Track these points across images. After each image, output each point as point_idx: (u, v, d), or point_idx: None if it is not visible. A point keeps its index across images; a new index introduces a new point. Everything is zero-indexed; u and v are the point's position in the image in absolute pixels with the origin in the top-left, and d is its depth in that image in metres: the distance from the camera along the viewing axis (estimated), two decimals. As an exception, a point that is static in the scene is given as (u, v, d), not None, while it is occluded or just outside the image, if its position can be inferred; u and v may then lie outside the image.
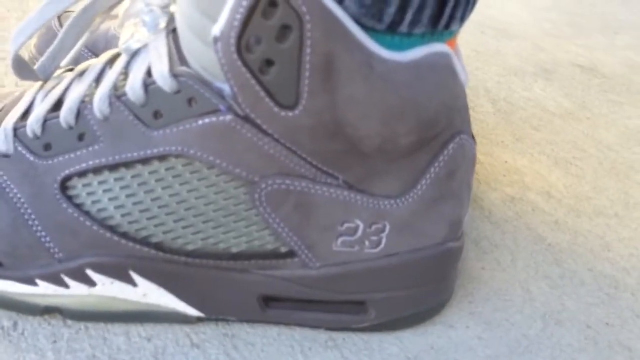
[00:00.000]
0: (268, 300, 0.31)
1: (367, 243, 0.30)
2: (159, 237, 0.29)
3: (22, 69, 0.31)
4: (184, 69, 0.27)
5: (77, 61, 0.44)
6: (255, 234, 0.29)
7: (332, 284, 0.30)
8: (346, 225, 0.29)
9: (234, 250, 0.29)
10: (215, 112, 0.26)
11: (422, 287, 0.32)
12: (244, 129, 0.26)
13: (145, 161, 0.28)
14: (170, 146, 0.27)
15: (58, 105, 0.30)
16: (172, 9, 0.30)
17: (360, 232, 0.29)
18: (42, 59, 0.32)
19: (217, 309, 0.31)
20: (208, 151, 0.27)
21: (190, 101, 0.27)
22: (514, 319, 0.35)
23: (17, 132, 0.29)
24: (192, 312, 0.31)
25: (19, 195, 0.29)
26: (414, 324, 0.33)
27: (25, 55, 0.51)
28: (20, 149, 0.29)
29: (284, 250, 0.29)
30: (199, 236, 0.29)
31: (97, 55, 0.47)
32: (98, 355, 0.29)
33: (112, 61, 0.30)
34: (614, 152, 0.55)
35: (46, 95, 0.31)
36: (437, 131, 0.28)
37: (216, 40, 0.25)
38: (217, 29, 0.25)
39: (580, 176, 0.50)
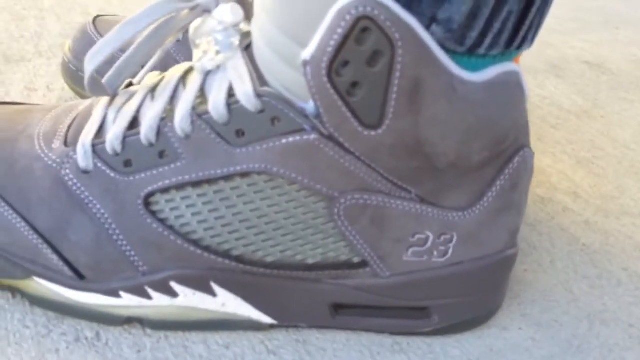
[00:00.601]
0: (337, 307, 0.32)
1: (435, 253, 0.31)
2: (240, 249, 0.30)
3: (96, 86, 0.31)
4: (267, 89, 0.28)
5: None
6: (331, 246, 0.30)
7: (400, 291, 0.32)
8: (417, 236, 0.30)
9: (310, 261, 0.30)
10: (299, 131, 0.27)
11: (482, 292, 0.33)
12: (327, 147, 0.27)
13: (227, 178, 0.29)
14: (253, 163, 0.28)
15: (133, 122, 0.30)
16: (242, 26, 0.31)
17: (429, 243, 0.30)
18: (110, 73, 0.32)
19: (289, 316, 0.32)
20: (290, 168, 0.28)
21: (273, 120, 0.28)
22: (562, 319, 0.36)
23: (96, 148, 0.30)
24: (266, 319, 0.32)
25: (102, 211, 0.29)
26: (471, 327, 0.34)
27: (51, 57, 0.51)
28: (99, 165, 0.30)
29: (356, 260, 0.30)
30: (277, 248, 0.30)
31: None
32: (181, 364, 0.30)
33: (183, 78, 0.31)
34: (631, 150, 0.57)
35: (118, 111, 0.31)
36: (506, 146, 0.29)
37: (305, 63, 0.26)
38: (307, 53, 0.25)
39: (602, 175, 0.52)
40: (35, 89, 0.53)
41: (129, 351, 0.30)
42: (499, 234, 0.31)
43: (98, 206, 0.30)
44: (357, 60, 0.25)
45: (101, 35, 0.49)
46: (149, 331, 0.31)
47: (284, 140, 0.28)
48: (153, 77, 0.33)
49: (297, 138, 0.27)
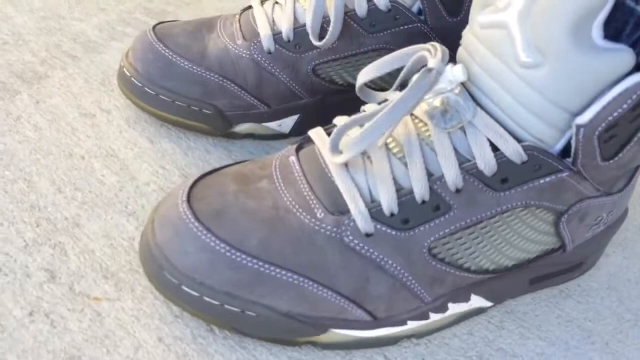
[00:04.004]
0: (532, 279, 0.40)
1: (601, 225, 0.39)
2: (494, 265, 0.35)
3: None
4: (530, 144, 0.32)
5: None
6: (550, 243, 0.37)
7: (575, 257, 0.40)
8: (598, 219, 0.38)
9: (532, 257, 0.37)
10: (556, 172, 0.33)
11: (608, 241, 0.42)
12: (572, 180, 0.33)
13: (492, 217, 0.33)
14: (515, 202, 0.33)
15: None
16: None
17: (602, 221, 0.39)
18: (356, 139, 0.32)
19: (504, 297, 0.39)
20: (543, 200, 0.33)
21: (535, 167, 0.32)
22: (614, 252, 0.48)
23: (372, 212, 0.32)
24: (488, 304, 0.38)
25: (394, 265, 0.33)
26: (593, 266, 0.44)
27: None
28: (379, 227, 0.32)
29: (557, 246, 0.38)
30: (518, 255, 0.36)
31: (224, 77, 0.45)
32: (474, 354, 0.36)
33: (419, 135, 0.33)
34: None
35: (366, 175, 0.33)
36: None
37: (580, 127, 0.31)
38: (584, 120, 0.30)
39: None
40: (92, 115, 0.48)
41: (420, 363, 0.35)
42: (627, 202, 0.41)
43: (390, 262, 0.33)
44: (624, 122, 0.31)
45: (170, 50, 0.45)
46: (415, 340, 0.36)
47: (542, 181, 0.33)
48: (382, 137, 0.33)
49: (553, 177, 0.33)
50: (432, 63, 0.33)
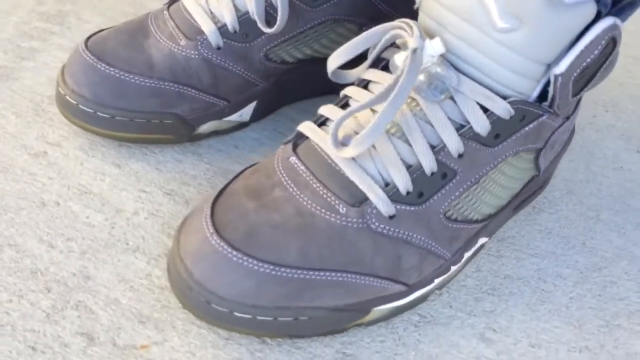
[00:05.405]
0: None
1: (562, 144, 0.43)
2: (494, 209, 0.38)
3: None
4: (515, 98, 0.34)
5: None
6: (530, 175, 0.40)
7: (544, 177, 0.43)
8: (561, 142, 0.42)
9: (517, 191, 0.40)
10: (538, 117, 0.35)
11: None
12: (549, 119, 0.36)
13: (490, 170, 0.36)
14: (507, 152, 0.36)
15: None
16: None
17: (564, 141, 0.42)
18: (364, 136, 0.32)
19: (496, 229, 0.42)
20: (528, 143, 0.36)
21: (521, 118, 0.35)
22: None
23: (389, 196, 0.34)
24: (486, 240, 0.41)
25: (419, 237, 0.35)
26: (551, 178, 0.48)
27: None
28: (399, 207, 0.34)
29: (535, 174, 0.41)
30: (509, 193, 0.39)
31: (178, 83, 0.43)
32: (490, 289, 0.39)
33: (412, 111, 0.34)
34: None
35: (373, 161, 0.34)
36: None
37: (557, 77, 0.33)
38: (560, 69, 0.33)
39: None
40: (43, 152, 0.44)
41: (444, 310, 0.38)
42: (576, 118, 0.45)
43: (415, 235, 0.34)
44: (593, 64, 0.33)
45: (115, 67, 0.42)
46: (437, 292, 0.39)
47: (526, 128, 0.35)
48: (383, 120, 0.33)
49: (535, 123, 0.36)
50: (413, 42, 0.33)
